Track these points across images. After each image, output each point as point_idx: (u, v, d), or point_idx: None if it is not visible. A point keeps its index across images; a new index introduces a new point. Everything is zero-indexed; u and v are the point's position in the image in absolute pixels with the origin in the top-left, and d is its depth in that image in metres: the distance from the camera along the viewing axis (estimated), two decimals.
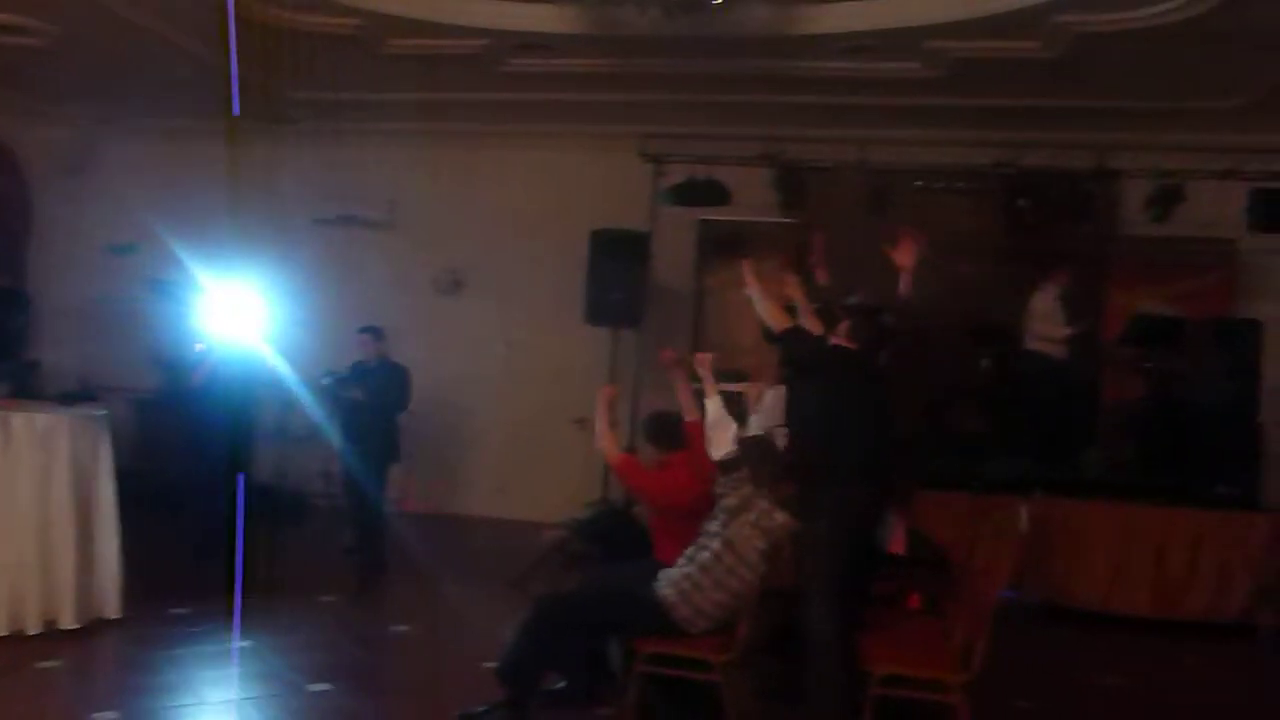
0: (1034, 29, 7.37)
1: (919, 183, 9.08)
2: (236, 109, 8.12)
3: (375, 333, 8.17)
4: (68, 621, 5.73)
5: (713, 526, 4.65)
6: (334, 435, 8.34)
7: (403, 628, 6.44)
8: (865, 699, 4.43)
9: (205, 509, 7.08)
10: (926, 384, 8.29)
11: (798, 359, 5.18)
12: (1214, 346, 8.46)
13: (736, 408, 5.41)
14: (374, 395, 7.98)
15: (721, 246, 9.91)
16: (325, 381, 8.15)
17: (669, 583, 4.66)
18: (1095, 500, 7.70)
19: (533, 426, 10.13)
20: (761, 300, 5.28)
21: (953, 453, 8.21)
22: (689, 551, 4.70)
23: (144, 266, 9.74)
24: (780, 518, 4.62)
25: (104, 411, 6.40)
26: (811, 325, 5.22)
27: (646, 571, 4.83)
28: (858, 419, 4.78)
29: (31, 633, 5.61)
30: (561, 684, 4.99)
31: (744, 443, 4.87)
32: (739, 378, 9.40)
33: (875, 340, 5.07)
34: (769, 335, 5.29)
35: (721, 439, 4.84)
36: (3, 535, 5.64)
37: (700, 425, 5.12)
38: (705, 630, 4.63)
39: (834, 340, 5.00)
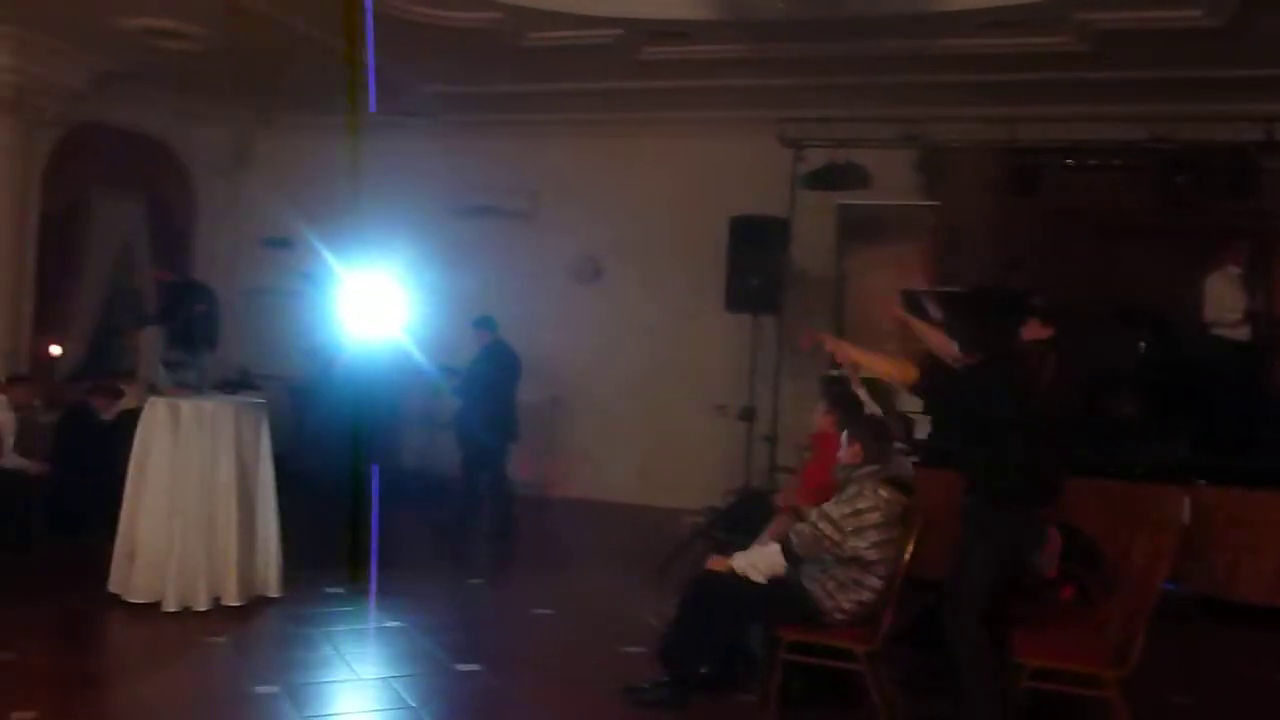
0: None
1: (1070, 161, 8.75)
2: (374, 106, 8.38)
3: (483, 322, 8.76)
4: (232, 599, 6.03)
5: (847, 525, 4.56)
6: (455, 418, 8.84)
7: (546, 611, 6.54)
8: (1016, 693, 4.30)
9: (351, 493, 7.35)
10: (1080, 367, 7.99)
11: (954, 400, 4.83)
12: None
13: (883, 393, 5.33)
14: (481, 379, 8.54)
15: (862, 231, 9.76)
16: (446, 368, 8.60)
17: (811, 578, 4.63)
18: (1262, 489, 7.31)
19: (673, 413, 10.17)
20: (874, 365, 5.11)
21: (1107, 439, 7.89)
22: (826, 545, 4.64)
23: (297, 259, 10.12)
24: (886, 493, 4.59)
25: (263, 399, 6.68)
26: (939, 344, 4.89)
27: None
28: (1024, 436, 4.54)
29: (200, 609, 5.92)
30: (705, 669, 4.99)
31: (865, 421, 4.87)
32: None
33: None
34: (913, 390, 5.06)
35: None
36: (174, 517, 5.97)
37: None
38: (848, 622, 4.59)
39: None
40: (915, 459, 6.33)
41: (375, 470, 7.05)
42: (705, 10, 7.76)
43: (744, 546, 5.40)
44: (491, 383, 8.64)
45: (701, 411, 9.77)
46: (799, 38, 8.04)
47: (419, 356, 8.64)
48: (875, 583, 4.56)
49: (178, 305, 6.65)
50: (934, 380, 4.79)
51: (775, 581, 4.67)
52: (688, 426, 10.00)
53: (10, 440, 7.23)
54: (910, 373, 4.76)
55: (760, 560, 4.73)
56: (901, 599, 4.60)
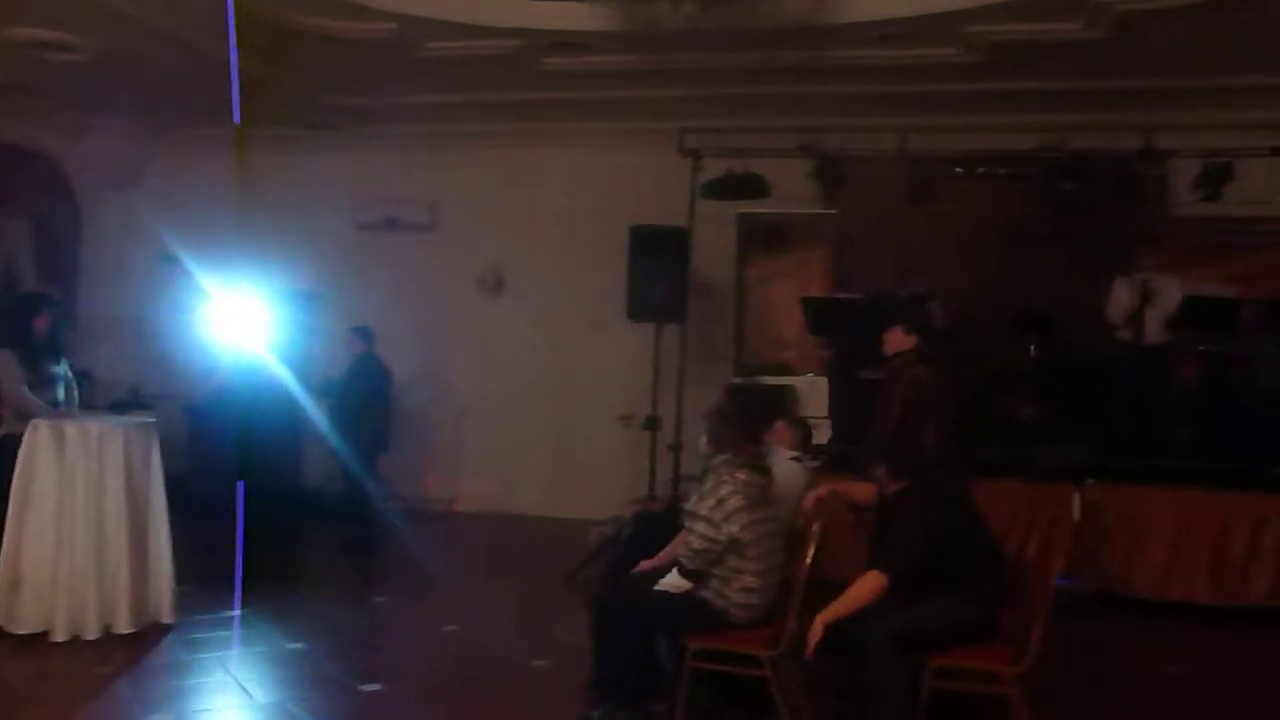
0: (1076, 9, 7.26)
1: (959, 169, 8.97)
2: (236, 117, 8.19)
3: (359, 333, 8.91)
4: (123, 627, 5.81)
5: (716, 515, 4.60)
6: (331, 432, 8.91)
7: (453, 627, 6.45)
8: (920, 693, 4.36)
9: (247, 514, 7.18)
10: (975, 372, 8.18)
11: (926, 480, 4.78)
12: (1271, 326, 8.28)
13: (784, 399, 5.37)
14: (356, 391, 8.72)
15: (762, 239, 9.88)
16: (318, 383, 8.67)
17: (701, 585, 4.65)
18: (1151, 486, 7.56)
19: (579, 423, 10.16)
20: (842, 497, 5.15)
21: (1003, 441, 8.09)
22: (710, 546, 4.65)
23: (191, 276, 9.87)
24: (743, 475, 4.63)
25: (153, 419, 6.48)
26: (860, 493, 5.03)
27: None
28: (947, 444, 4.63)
29: (90, 638, 5.70)
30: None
31: (712, 412, 4.91)
32: (782, 370, 9.44)
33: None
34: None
35: None
36: (62, 543, 5.73)
37: None
38: (752, 620, 4.61)
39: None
40: (815, 463, 6.40)
41: (241, 486, 6.88)
42: (605, 21, 7.78)
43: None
44: (359, 393, 8.64)
45: (607, 422, 9.76)
46: (698, 48, 8.11)
47: (289, 373, 8.59)
48: (754, 565, 4.57)
49: (14, 322, 6.35)
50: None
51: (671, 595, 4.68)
52: (593, 437, 9.98)
53: None
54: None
55: (670, 587, 4.73)
56: (805, 605, 4.62)
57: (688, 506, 4.76)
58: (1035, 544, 4.78)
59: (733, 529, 4.54)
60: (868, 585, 4.44)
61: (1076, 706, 5.23)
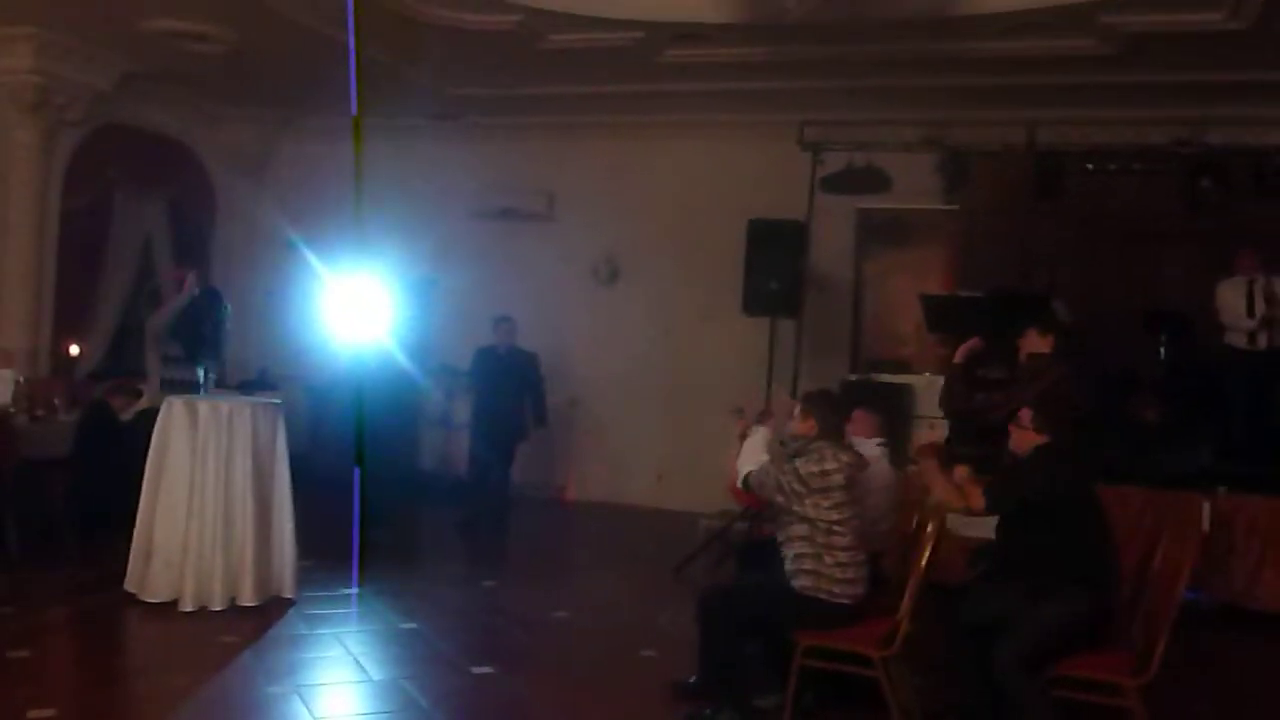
0: None
1: (1091, 165, 8.69)
2: (355, 109, 8.41)
3: (501, 322, 8.95)
4: (248, 599, 6.03)
5: (793, 505, 4.58)
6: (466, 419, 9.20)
7: (563, 613, 6.52)
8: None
9: (365, 494, 7.37)
10: (1100, 373, 7.92)
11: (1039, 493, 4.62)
12: None
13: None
14: (501, 379, 8.77)
15: (882, 234, 9.72)
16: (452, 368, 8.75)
17: (791, 573, 4.63)
18: None
19: (690, 415, 10.15)
20: (947, 494, 4.88)
21: (1130, 444, 7.81)
22: (780, 538, 4.70)
23: (316, 260, 10.15)
24: (847, 457, 4.62)
25: (279, 399, 6.70)
26: (946, 495, 4.76)
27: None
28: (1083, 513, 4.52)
29: (216, 609, 5.93)
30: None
31: (810, 395, 4.92)
32: (900, 368, 9.27)
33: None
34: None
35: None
36: (192, 516, 5.97)
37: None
38: (855, 598, 4.57)
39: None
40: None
41: (357, 472, 7.10)
42: (727, 13, 7.74)
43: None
44: (504, 383, 8.70)
45: (718, 414, 9.71)
46: (820, 40, 8.00)
47: (417, 357, 8.79)
48: (843, 540, 4.55)
49: (195, 313, 6.76)
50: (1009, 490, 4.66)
51: (778, 590, 4.65)
52: (705, 430, 9.95)
53: None
54: (976, 500, 4.62)
55: (748, 458, 4.80)
56: (920, 606, 4.55)
57: (789, 464, 4.68)
58: (1161, 554, 4.59)
59: (822, 504, 4.52)
60: (963, 497, 4.51)
61: None
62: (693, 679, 4.85)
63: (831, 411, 4.80)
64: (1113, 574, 4.48)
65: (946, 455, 5.11)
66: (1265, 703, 5.54)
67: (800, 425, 4.80)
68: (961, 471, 4.93)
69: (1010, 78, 8.47)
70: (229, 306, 7.11)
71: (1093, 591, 4.36)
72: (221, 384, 8.20)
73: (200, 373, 6.71)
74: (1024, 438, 4.64)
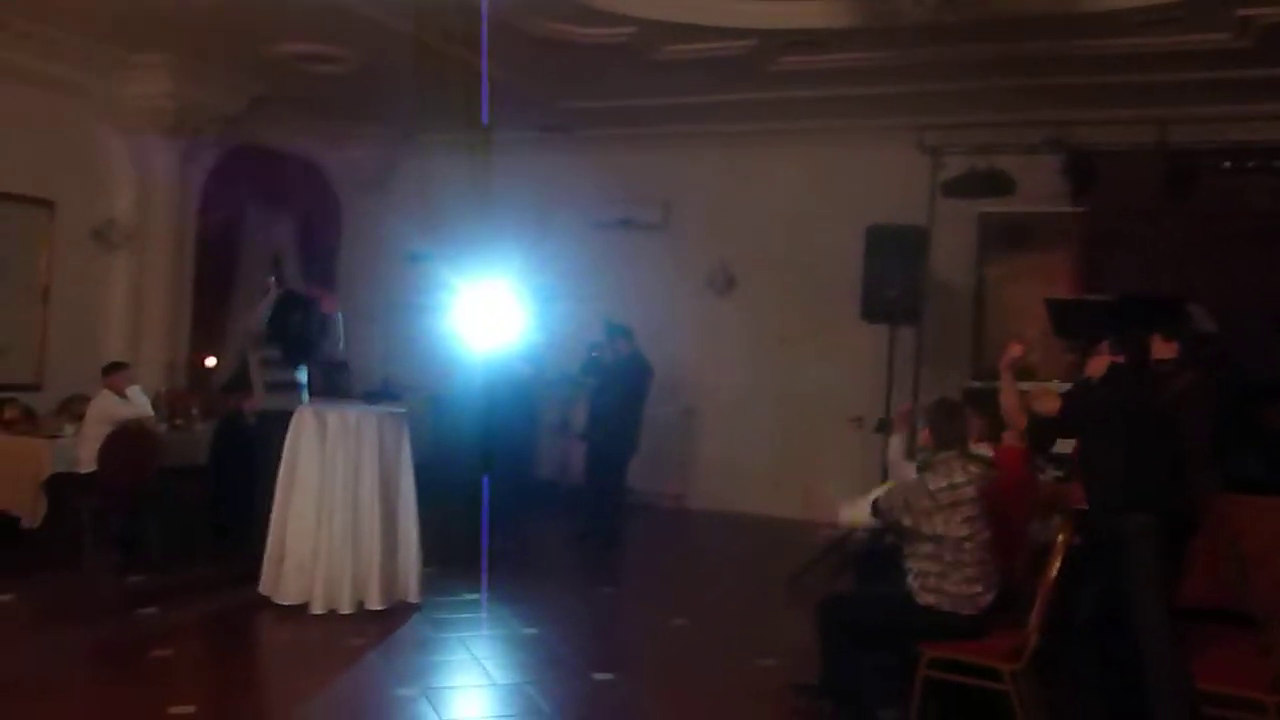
0: None
1: (1228, 164, 8.35)
2: (485, 118, 8.54)
3: (620, 332, 8.86)
4: (375, 603, 6.19)
5: (922, 528, 4.50)
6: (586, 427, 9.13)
7: (681, 621, 6.52)
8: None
9: (486, 502, 7.48)
10: (1239, 380, 7.60)
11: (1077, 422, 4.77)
12: None
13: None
14: (613, 389, 8.75)
15: (1005, 239, 9.50)
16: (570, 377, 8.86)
17: (914, 590, 4.56)
18: None
19: (808, 424, 10.07)
20: (1009, 400, 4.97)
21: (1270, 454, 7.47)
22: (905, 551, 4.63)
23: (438, 273, 10.36)
24: (976, 468, 4.52)
25: (404, 409, 6.86)
26: (1010, 408, 4.91)
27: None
28: (1141, 451, 4.43)
29: (344, 612, 6.11)
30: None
31: (931, 408, 4.79)
32: (1026, 375, 9.03)
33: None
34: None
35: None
36: (321, 521, 6.17)
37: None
38: (982, 611, 4.48)
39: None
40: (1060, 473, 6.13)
41: (486, 480, 7.21)
42: (843, 18, 7.65)
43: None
44: (623, 393, 8.72)
45: (837, 423, 9.63)
46: (938, 42, 7.86)
47: (538, 366, 8.87)
48: (970, 558, 4.46)
49: (284, 315, 6.94)
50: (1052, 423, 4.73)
51: (899, 601, 4.58)
52: (824, 439, 9.87)
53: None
54: (1020, 421, 4.76)
55: (858, 510, 4.76)
56: (1048, 620, 4.42)
57: (916, 479, 4.65)
58: None
59: (951, 521, 4.43)
60: (1022, 412, 4.75)
61: None
62: (815, 682, 4.81)
63: (947, 420, 4.70)
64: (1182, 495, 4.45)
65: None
66: None
67: (922, 438, 4.75)
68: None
69: (1139, 75, 8.19)
70: (333, 316, 7.24)
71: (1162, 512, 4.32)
72: (343, 392, 8.43)
73: (300, 375, 6.92)
74: (1099, 362, 4.52)
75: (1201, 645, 4.54)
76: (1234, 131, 8.28)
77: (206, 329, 10.15)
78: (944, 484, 4.48)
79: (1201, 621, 4.79)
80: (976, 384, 8.65)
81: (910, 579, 4.59)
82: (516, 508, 8.59)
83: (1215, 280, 8.42)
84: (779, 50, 8.41)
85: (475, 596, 6.72)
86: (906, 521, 4.53)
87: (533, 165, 10.90)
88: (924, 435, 4.75)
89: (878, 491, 4.79)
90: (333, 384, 8.91)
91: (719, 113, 10.11)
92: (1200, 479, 4.76)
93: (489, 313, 7.82)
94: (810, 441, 10.02)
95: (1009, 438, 5.49)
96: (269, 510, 6.28)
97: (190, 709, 4.61)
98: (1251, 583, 5.44)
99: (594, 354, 9.04)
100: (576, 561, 8.53)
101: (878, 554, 5.90)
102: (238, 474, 7.39)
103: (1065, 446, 5.66)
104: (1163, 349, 5.85)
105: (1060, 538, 4.51)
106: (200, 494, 7.82)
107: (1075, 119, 8.63)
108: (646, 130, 10.70)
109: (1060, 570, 4.36)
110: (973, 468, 4.55)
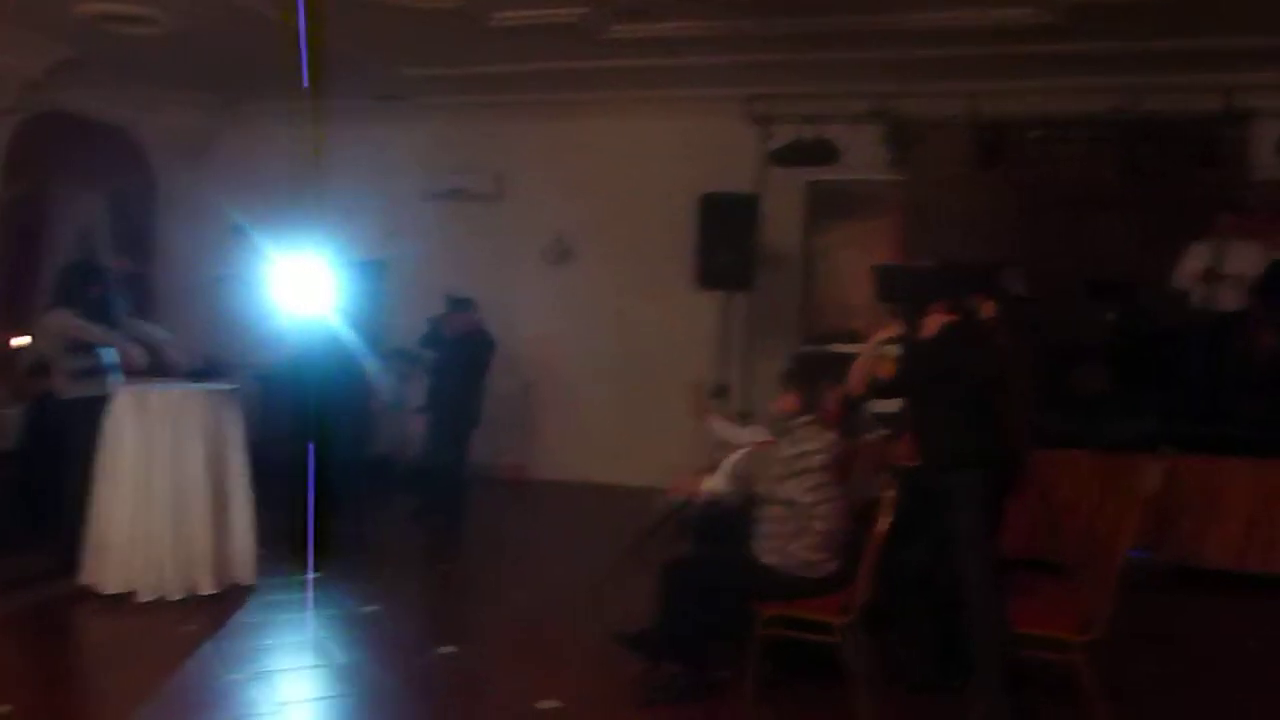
0: None
1: (1035, 134, 8.79)
2: (305, 82, 8.27)
3: (462, 304, 8.74)
4: (206, 588, 5.99)
5: (794, 465, 4.61)
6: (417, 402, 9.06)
7: (520, 592, 6.53)
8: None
9: (322, 480, 7.31)
10: (1046, 341, 8.04)
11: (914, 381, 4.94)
12: None
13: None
14: (454, 362, 8.66)
15: (832, 207, 9.78)
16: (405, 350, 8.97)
17: (759, 550, 4.67)
18: (1229, 457, 7.39)
19: (646, 392, 10.17)
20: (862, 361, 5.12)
21: (1074, 411, 7.95)
22: (757, 515, 4.72)
23: (262, 246, 10.02)
24: (830, 435, 4.64)
25: (235, 386, 6.63)
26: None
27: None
28: (969, 408, 4.65)
29: (174, 599, 5.88)
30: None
31: (796, 372, 4.87)
32: (852, 339, 9.34)
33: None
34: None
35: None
36: (140, 506, 5.90)
37: None
38: (826, 576, 4.60)
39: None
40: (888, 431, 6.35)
41: (311, 451, 7.03)
42: None
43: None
44: (465, 365, 8.65)
45: (675, 390, 9.75)
46: (767, 13, 8.00)
47: (367, 340, 8.70)
48: (819, 525, 4.58)
49: (67, 289, 6.55)
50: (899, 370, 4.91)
51: (741, 561, 4.69)
52: (662, 405, 9.98)
53: None
54: (860, 387, 4.91)
55: (715, 478, 4.81)
56: (879, 574, 4.59)
57: (769, 449, 4.74)
58: (1106, 514, 4.70)
59: (799, 487, 4.54)
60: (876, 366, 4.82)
61: (1145, 680, 5.16)
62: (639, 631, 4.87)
63: (811, 385, 4.76)
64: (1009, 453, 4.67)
65: None
66: (1216, 660, 5.68)
67: (781, 404, 4.81)
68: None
69: (952, 49, 8.52)
70: (107, 272, 6.85)
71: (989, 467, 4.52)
72: (167, 372, 8.06)
73: (109, 356, 6.58)
74: (934, 321, 4.73)
75: (1015, 592, 4.80)
76: (1042, 104, 8.72)
77: (12, 308, 9.55)
78: (796, 450, 4.58)
79: (1014, 569, 5.07)
80: (808, 348, 8.91)
81: (759, 539, 4.69)
82: (353, 485, 8.42)
83: (1028, 246, 8.88)
84: (610, 18, 8.40)
85: (312, 576, 6.57)
86: (760, 488, 4.63)
87: (362, 134, 10.63)
88: (787, 400, 4.81)
89: (735, 457, 4.86)
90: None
91: (552, 82, 10.04)
92: (1020, 436, 5.02)
93: (317, 286, 7.62)
94: (648, 409, 10.12)
95: (828, 400, 5.61)
96: (86, 496, 5.99)
97: (7, 709, 4.36)
98: (1061, 533, 5.82)
99: (433, 326, 8.90)
100: (416, 538, 8.43)
101: (717, 518, 6.02)
102: (50, 459, 7.02)
103: (889, 406, 5.90)
104: (986, 308, 6.15)
105: (890, 494, 4.69)
106: (8, 480, 7.38)
107: (897, 91, 8.93)
108: (480, 99, 10.56)
109: (891, 526, 4.53)
110: (828, 434, 4.66)
